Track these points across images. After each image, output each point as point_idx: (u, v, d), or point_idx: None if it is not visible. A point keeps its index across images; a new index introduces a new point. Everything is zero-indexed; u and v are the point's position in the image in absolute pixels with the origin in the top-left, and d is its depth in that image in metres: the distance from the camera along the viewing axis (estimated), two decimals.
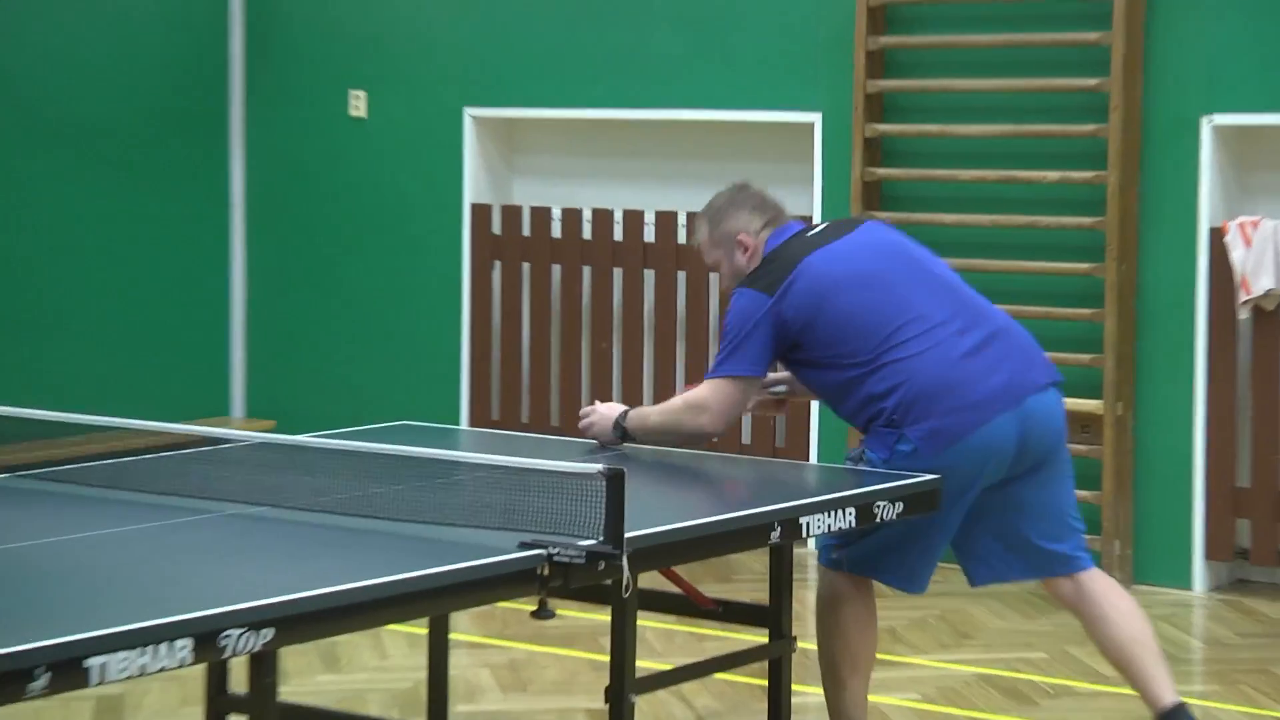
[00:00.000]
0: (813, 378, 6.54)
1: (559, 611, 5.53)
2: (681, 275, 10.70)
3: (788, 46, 10.31)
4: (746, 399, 6.62)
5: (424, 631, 7.06)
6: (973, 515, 6.50)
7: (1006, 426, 6.42)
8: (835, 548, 6.52)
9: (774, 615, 6.44)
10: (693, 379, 10.61)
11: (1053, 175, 9.66)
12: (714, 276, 10.51)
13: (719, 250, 6.70)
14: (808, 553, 9.75)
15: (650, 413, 6.73)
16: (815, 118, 10.21)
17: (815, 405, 10.20)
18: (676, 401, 6.68)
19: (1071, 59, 9.63)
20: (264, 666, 5.15)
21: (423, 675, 7.09)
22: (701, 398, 6.52)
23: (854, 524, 6.25)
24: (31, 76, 10.97)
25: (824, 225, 6.76)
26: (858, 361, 6.36)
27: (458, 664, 7.48)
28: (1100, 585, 6.57)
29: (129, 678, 4.40)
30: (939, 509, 6.34)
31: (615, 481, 5.36)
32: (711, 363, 6.65)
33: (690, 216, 10.46)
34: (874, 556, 6.48)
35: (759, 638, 6.51)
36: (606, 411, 6.70)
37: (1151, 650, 6.51)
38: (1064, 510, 6.57)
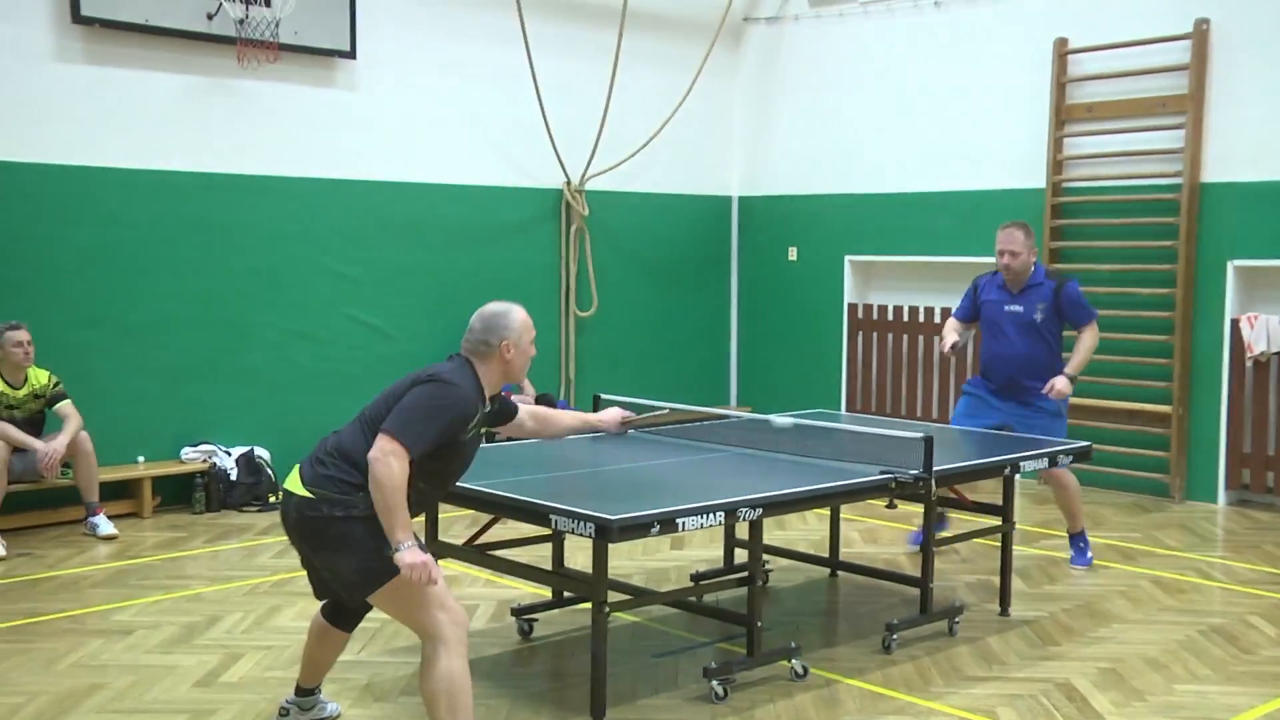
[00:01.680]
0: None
1: (898, 505, 5.55)
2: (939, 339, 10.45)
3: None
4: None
5: (826, 512, 7.12)
6: None
7: None
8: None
9: (1005, 509, 6.32)
10: (944, 391, 10.46)
11: (1145, 291, 9.27)
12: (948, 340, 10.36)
13: (1026, 248, 6.97)
14: (1019, 479, 9.51)
15: (1076, 363, 6.91)
16: None
17: None
18: (1084, 342, 6.96)
19: (1159, 230, 9.23)
20: (756, 527, 5.22)
21: (825, 534, 7.16)
22: (1095, 329, 6.96)
23: (1047, 466, 6.13)
24: (632, 238, 11.13)
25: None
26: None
27: (844, 529, 7.46)
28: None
29: (696, 529, 4.55)
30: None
31: (929, 441, 5.35)
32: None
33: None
34: None
35: (995, 521, 6.39)
36: (1060, 384, 6.83)
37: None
38: None
